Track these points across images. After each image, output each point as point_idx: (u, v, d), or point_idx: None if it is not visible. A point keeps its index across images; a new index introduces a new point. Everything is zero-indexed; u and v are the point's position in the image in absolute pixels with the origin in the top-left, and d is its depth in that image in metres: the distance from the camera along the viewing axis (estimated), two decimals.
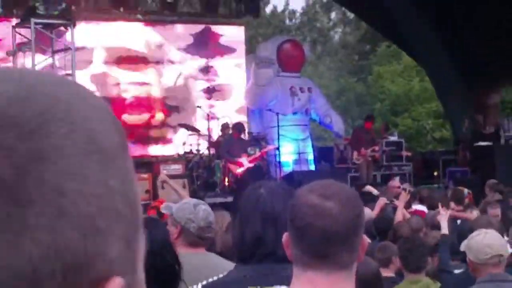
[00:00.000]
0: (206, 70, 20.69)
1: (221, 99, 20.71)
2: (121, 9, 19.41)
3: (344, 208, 2.04)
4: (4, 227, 0.59)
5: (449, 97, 22.69)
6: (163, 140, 19.48)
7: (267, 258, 2.75)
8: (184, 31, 20.48)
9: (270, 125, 18.92)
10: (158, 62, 19.98)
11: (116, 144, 0.69)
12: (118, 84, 19.16)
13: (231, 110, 20.40)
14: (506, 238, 5.50)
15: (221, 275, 2.88)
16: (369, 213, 8.26)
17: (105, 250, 0.65)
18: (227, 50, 20.99)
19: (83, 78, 17.20)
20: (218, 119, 18.54)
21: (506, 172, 15.72)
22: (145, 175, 14.93)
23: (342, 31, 48.72)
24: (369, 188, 13.77)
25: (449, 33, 20.63)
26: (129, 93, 19.31)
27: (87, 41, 17.83)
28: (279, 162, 17.63)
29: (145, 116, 19.41)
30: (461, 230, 6.99)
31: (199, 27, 20.72)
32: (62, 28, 15.30)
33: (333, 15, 48.84)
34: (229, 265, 3.11)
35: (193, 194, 13.73)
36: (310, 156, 20.49)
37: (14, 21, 16.05)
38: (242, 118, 19.79)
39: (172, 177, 11.88)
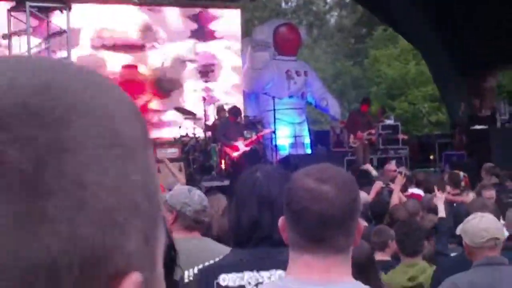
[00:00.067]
0: (201, 53, 20.64)
1: (213, 81, 20.68)
2: None
3: (340, 192, 2.04)
4: (23, 219, 0.59)
5: (445, 81, 22.70)
6: (159, 124, 19.45)
7: (264, 241, 2.75)
8: (179, 14, 20.42)
9: (266, 109, 18.89)
10: (151, 46, 19.92)
11: (137, 136, 0.68)
12: (105, 66, 19.03)
13: (221, 91, 20.40)
14: (502, 221, 5.50)
15: (217, 259, 2.88)
16: (365, 197, 8.28)
17: (124, 244, 0.64)
18: (223, 33, 20.94)
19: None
20: (214, 103, 18.53)
21: (502, 155, 15.74)
22: None
23: (338, 14, 48.54)
24: (368, 167, 13.80)
25: (447, 25, 20.64)
26: (119, 76, 19.20)
27: (73, 22, 17.70)
28: (275, 145, 17.64)
29: (138, 101, 19.36)
30: (457, 213, 7.01)
31: (195, 10, 20.67)
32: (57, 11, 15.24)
33: None
34: (226, 250, 3.11)
35: (189, 178, 13.77)
36: (306, 140, 20.51)
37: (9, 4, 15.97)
38: (233, 100, 19.79)
39: (169, 160, 11.87)
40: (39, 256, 0.59)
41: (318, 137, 21.01)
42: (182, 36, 20.31)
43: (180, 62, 20.28)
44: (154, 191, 0.69)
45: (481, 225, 4.65)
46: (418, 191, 10.03)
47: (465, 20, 19.95)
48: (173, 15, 20.32)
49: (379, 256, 6.12)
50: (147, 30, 19.88)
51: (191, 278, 3.01)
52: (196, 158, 16.40)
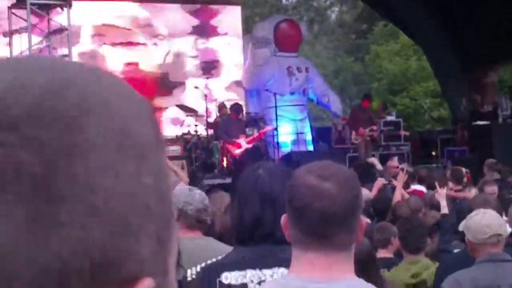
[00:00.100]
0: (202, 50, 20.65)
1: (215, 78, 20.67)
2: None
3: (342, 189, 2.04)
4: (34, 223, 0.58)
5: (446, 76, 22.69)
6: (160, 121, 19.46)
7: (266, 239, 2.74)
8: (180, 11, 20.42)
9: (268, 106, 18.90)
10: (152, 43, 19.92)
11: (150, 139, 0.67)
12: (106, 63, 19.02)
13: (222, 88, 20.40)
14: (504, 217, 5.49)
15: (219, 257, 2.87)
16: (367, 193, 8.26)
17: (136, 249, 0.63)
18: (223, 29, 20.94)
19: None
20: (215, 99, 18.53)
21: (504, 151, 15.74)
22: None
23: (339, 10, 48.55)
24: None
25: (448, 20, 20.63)
26: (120, 74, 19.21)
27: (73, 19, 17.66)
28: (277, 142, 17.63)
29: None
30: (460, 210, 6.99)
31: (195, 7, 20.67)
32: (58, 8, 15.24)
33: None
34: (228, 249, 3.11)
35: (191, 175, 13.76)
36: (308, 137, 20.50)
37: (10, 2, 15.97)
38: (234, 97, 19.79)
39: (170, 158, 11.87)
40: (50, 261, 0.58)
41: (320, 134, 21.02)
42: (183, 33, 20.33)
43: (181, 59, 20.27)
44: (167, 193, 0.68)
45: (484, 221, 4.64)
46: (421, 188, 10.02)
47: (466, 15, 19.93)
48: (174, 11, 20.33)
49: (381, 254, 6.11)
50: (147, 26, 19.88)
51: (193, 277, 3.01)
52: (198, 156, 16.40)
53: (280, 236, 2.28)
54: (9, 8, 15.60)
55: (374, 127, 17.51)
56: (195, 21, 20.55)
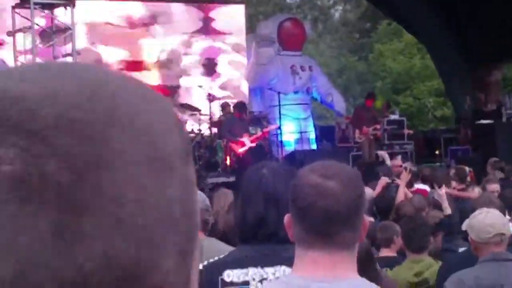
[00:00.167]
0: (205, 48, 20.64)
1: (218, 77, 20.64)
2: None
3: (346, 188, 2.05)
4: (58, 234, 0.57)
5: (450, 75, 22.65)
6: None
7: (269, 238, 2.75)
8: (183, 9, 20.40)
9: (271, 104, 18.89)
10: (153, 41, 19.86)
11: (178, 150, 0.66)
12: (102, 61, 18.94)
13: (225, 87, 20.40)
14: (507, 217, 5.49)
15: (222, 256, 2.88)
16: (370, 193, 8.27)
17: (159, 262, 0.62)
18: (227, 28, 20.93)
19: None
20: (219, 99, 18.52)
21: (507, 149, 15.72)
22: None
23: (342, 8, 48.52)
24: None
25: (451, 18, 20.60)
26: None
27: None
28: (281, 141, 17.62)
29: None
30: (463, 209, 7.00)
31: (199, 5, 20.66)
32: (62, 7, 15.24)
33: None
34: (230, 249, 3.11)
35: (195, 174, 13.74)
36: (312, 135, 20.48)
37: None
38: (238, 96, 19.79)
39: None
40: (73, 274, 0.57)
41: (324, 133, 21.00)
42: (186, 31, 20.29)
43: (183, 58, 20.25)
44: (192, 205, 0.67)
45: (487, 220, 4.65)
46: (424, 187, 10.01)
47: (470, 13, 19.91)
48: (177, 10, 20.31)
49: (384, 253, 6.11)
50: (149, 24, 19.86)
51: None
52: (201, 155, 16.39)
53: (283, 235, 2.29)
54: (13, 7, 15.60)
55: (378, 126, 17.49)
56: (198, 19, 20.53)
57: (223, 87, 20.49)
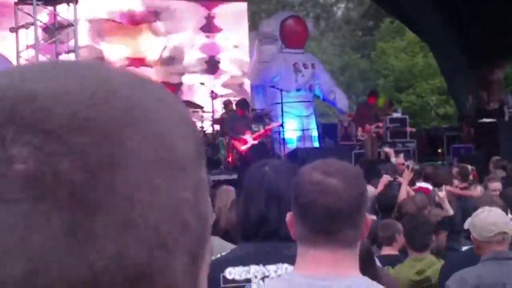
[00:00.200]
0: (208, 46, 20.64)
1: (220, 74, 20.65)
2: None
3: (348, 186, 2.05)
4: (70, 233, 0.57)
5: (452, 73, 22.65)
6: None
7: (271, 236, 2.74)
8: (186, 7, 20.39)
9: (274, 102, 18.88)
10: (155, 38, 19.85)
11: (191, 152, 0.66)
12: (104, 58, 18.92)
13: (228, 85, 20.39)
14: (510, 215, 5.49)
15: (224, 253, 2.88)
16: (372, 191, 8.27)
17: (170, 264, 0.62)
18: (229, 25, 20.92)
19: None
20: (221, 96, 18.53)
21: (510, 148, 15.73)
22: None
23: (345, 6, 48.52)
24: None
25: (454, 23, 20.61)
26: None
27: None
28: (283, 139, 17.62)
29: None
30: (465, 208, 7.00)
31: (201, 3, 20.66)
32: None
33: None
34: (232, 247, 3.11)
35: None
36: (314, 133, 20.49)
37: None
38: (240, 93, 19.80)
39: None
40: (84, 273, 0.57)
41: (326, 130, 21.01)
42: (188, 29, 20.30)
43: (185, 55, 20.25)
44: (205, 208, 0.67)
45: (489, 219, 4.65)
46: (426, 185, 10.01)
47: (472, 12, 19.91)
48: (179, 7, 20.30)
49: (386, 251, 6.11)
50: (152, 21, 19.85)
51: None
52: (204, 152, 16.38)
53: (285, 233, 2.29)
54: (15, 3, 15.60)
55: (380, 124, 17.49)
56: (200, 17, 20.53)
57: (225, 84, 20.51)
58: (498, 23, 19.49)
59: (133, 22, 19.67)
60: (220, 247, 3.74)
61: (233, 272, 2.73)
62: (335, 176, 2.05)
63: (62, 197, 0.57)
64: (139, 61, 19.46)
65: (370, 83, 34.11)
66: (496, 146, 16.10)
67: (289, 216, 2.14)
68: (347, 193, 2.04)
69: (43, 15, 15.76)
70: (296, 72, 20.31)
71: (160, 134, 0.63)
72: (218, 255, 2.87)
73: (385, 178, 9.49)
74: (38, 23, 14.86)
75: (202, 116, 17.24)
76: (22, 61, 15.51)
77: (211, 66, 20.61)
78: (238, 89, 20.57)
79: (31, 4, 14.48)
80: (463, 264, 4.71)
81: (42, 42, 15.20)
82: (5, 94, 0.60)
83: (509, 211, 5.83)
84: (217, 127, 17.05)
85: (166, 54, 20.11)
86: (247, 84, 20.99)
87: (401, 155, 13.44)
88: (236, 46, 21.00)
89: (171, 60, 20.16)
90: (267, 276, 2.68)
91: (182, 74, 20.20)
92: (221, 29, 20.84)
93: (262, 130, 15.99)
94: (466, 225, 4.96)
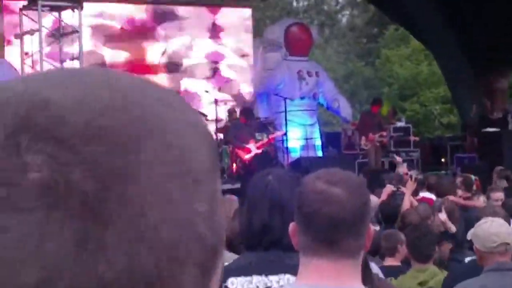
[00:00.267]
0: (212, 53, 20.65)
1: (224, 82, 20.67)
2: None
3: (351, 196, 2.04)
4: (81, 243, 0.57)
5: (456, 82, 22.65)
6: None
7: (274, 245, 2.74)
8: (190, 13, 20.39)
9: (278, 110, 18.88)
10: (158, 44, 19.86)
11: (206, 165, 0.65)
12: (105, 64, 18.89)
13: (232, 93, 20.42)
14: None
15: (226, 263, 2.87)
16: (376, 200, 8.25)
17: (179, 277, 0.61)
18: (233, 32, 20.93)
19: None
20: (225, 103, 18.54)
21: None
22: None
23: (350, 13, 48.53)
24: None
25: (456, 23, 20.61)
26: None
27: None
28: (287, 147, 17.61)
29: None
30: (468, 218, 6.99)
31: (205, 9, 20.67)
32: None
33: None
34: (235, 257, 3.11)
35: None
36: (318, 142, 20.47)
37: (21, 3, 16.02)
38: (225, 96, 19.84)
39: None
40: (91, 283, 0.57)
41: (329, 139, 20.99)
42: (191, 35, 20.29)
43: (188, 61, 20.25)
44: (218, 223, 0.66)
45: (492, 229, 4.65)
46: (430, 195, 9.99)
47: (477, 22, 19.91)
48: (182, 13, 20.30)
49: (389, 262, 6.09)
50: (154, 27, 19.85)
51: None
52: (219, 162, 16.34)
53: (287, 243, 2.28)
54: (20, 9, 15.65)
55: (384, 133, 17.47)
56: (203, 23, 20.51)
57: (227, 91, 20.49)
58: (503, 33, 19.50)
59: (135, 28, 19.64)
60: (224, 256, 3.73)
61: (235, 283, 2.73)
62: (338, 186, 2.05)
63: (74, 206, 0.57)
64: (141, 67, 19.42)
65: (375, 91, 34.04)
66: (499, 156, 16.09)
67: (291, 226, 2.14)
68: (351, 203, 2.03)
69: (48, 21, 15.79)
70: (300, 80, 20.31)
71: (175, 144, 0.62)
72: None
73: (389, 188, 9.47)
74: (43, 29, 14.89)
75: None
76: (27, 67, 15.55)
77: (214, 72, 20.60)
78: (240, 97, 20.56)
79: (36, 9, 14.53)
80: (466, 275, 4.70)
81: (46, 48, 15.21)
82: (20, 100, 0.60)
83: (511, 221, 5.83)
84: (220, 135, 17.05)
85: (169, 60, 20.10)
86: (248, 91, 20.95)
87: (404, 165, 13.43)
88: (239, 53, 20.99)
89: (175, 66, 20.15)
90: (270, 287, 2.68)
91: (185, 80, 20.17)
92: (225, 36, 20.83)
93: (265, 139, 15.99)
94: (468, 236, 4.96)
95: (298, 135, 19.63)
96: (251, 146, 15.21)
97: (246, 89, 20.93)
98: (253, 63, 20.99)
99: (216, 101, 17.89)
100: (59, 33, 15.54)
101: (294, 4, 47.91)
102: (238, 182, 14.64)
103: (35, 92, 0.61)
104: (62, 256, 0.56)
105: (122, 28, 19.39)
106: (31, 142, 0.58)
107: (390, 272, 5.64)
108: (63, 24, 15.59)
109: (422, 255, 5.79)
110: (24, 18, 15.59)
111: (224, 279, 2.73)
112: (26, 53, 15.67)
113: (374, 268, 4.48)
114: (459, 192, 9.88)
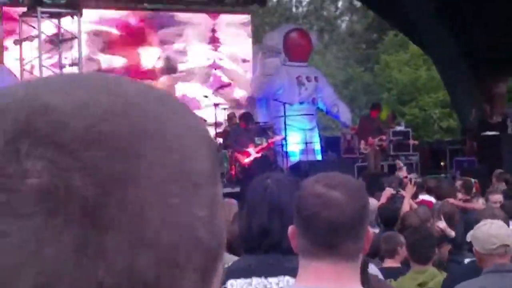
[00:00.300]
0: (211, 59, 20.65)
1: (224, 87, 20.66)
2: None
3: (350, 199, 2.05)
4: (81, 249, 0.57)
5: (456, 86, 22.63)
6: None
7: (273, 249, 2.75)
8: (188, 19, 20.39)
9: (277, 115, 18.89)
10: (157, 51, 19.85)
11: (206, 169, 0.65)
12: (102, 70, 18.86)
13: (231, 97, 20.43)
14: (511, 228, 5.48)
15: (226, 265, 2.88)
16: (375, 204, 8.25)
17: (179, 282, 0.61)
18: (233, 38, 20.93)
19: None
20: (225, 108, 18.54)
21: None
22: None
23: (349, 19, 48.51)
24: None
25: (456, 23, 20.60)
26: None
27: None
28: (286, 152, 17.61)
29: None
30: (468, 221, 6.99)
31: (204, 15, 20.67)
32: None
33: (340, 3, 48.67)
34: (234, 259, 3.11)
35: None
36: (317, 146, 20.46)
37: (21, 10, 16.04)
38: (243, 106, 19.83)
39: None
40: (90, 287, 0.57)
41: (329, 143, 20.98)
42: (189, 40, 20.28)
43: (186, 66, 20.24)
44: (219, 226, 0.65)
45: (491, 231, 4.65)
46: (429, 198, 9.99)
47: (477, 26, 19.92)
48: (180, 19, 20.29)
49: (388, 263, 6.10)
50: (151, 33, 19.84)
51: None
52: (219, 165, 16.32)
53: (287, 246, 2.29)
54: (20, 16, 15.67)
55: (384, 137, 17.46)
56: (202, 29, 20.51)
57: (225, 96, 20.48)
58: (502, 37, 19.50)
59: (132, 34, 19.60)
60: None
61: (234, 284, 2.73)
62: (337, 189, 2.05)
63: (74, 211, 0.57)
64: (138, 73, 19.39)
65: (374, 97, 33.95)
66: (499, 159, 16.09)
67: (290, 229, 2.14)
68: (350, 206, 2.04)
69: (47, 27, 15.80)
70: (299, 85, 20.31)
71: (175, 149, 0.62)
72: None
73: (388, 191, 9.47)
74: (42, 36, 14.91)
75: None
76: (26, 73, 15.57)
77: (212, 77, 20.59)
78: (238, 102, 20.57)
79: (36, 16, 14.54)
80: (465, 276, 4.70)
81: (45, 54, 15.22)
82: (20, 106, 0.60)
83: (510, 223, 5.83)
84: (220, 139, 17.04)
85: (164, 65, 20.09)
86: (246, 96, 20.93)
87: (404, 168, 13.43)
88: (237, 59, 20.98)
89: (173, 71, 20.15)
90: None
91: (183, 85, 20.15)
92: (225, 42, 20.83)
93: (265, 144, 15.99)
94: (468, 238, 4.96)
95: (298, 140, 19.62)
96: (251, 150, 15.22)
97: (244, 95, 20.93)
98: (252, 68, 20.98)
99: (215, 106, 17.90)
100: (58, 40, 15.54)
101: (294, 10, 47.91)
102: (238, 186, 14.63)
103: (35, 97, 0.61)
104: (62, 261, 0.56)
105: (119, 34, 19.38)
106: (31, 148, 0.58)
107: (390, 273, 5.64)
108: (62, 30, 15.59)
109: (422, 258, 5.79)
110: (23, 24, 15.61)
111: (223, 281, 2.73)
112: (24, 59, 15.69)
113: (374, 269, 4.50)
114: (459, 195, 9.89)
